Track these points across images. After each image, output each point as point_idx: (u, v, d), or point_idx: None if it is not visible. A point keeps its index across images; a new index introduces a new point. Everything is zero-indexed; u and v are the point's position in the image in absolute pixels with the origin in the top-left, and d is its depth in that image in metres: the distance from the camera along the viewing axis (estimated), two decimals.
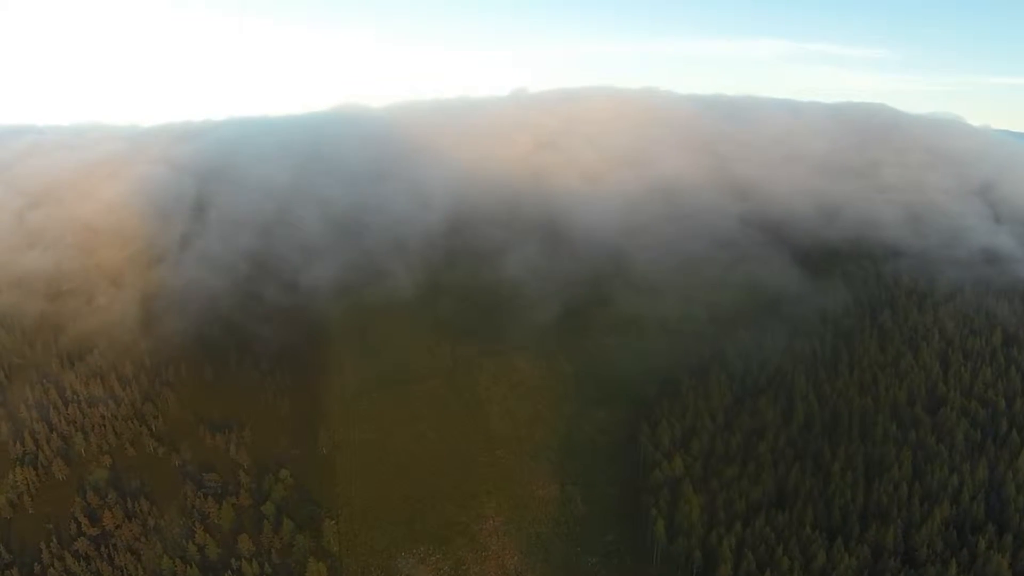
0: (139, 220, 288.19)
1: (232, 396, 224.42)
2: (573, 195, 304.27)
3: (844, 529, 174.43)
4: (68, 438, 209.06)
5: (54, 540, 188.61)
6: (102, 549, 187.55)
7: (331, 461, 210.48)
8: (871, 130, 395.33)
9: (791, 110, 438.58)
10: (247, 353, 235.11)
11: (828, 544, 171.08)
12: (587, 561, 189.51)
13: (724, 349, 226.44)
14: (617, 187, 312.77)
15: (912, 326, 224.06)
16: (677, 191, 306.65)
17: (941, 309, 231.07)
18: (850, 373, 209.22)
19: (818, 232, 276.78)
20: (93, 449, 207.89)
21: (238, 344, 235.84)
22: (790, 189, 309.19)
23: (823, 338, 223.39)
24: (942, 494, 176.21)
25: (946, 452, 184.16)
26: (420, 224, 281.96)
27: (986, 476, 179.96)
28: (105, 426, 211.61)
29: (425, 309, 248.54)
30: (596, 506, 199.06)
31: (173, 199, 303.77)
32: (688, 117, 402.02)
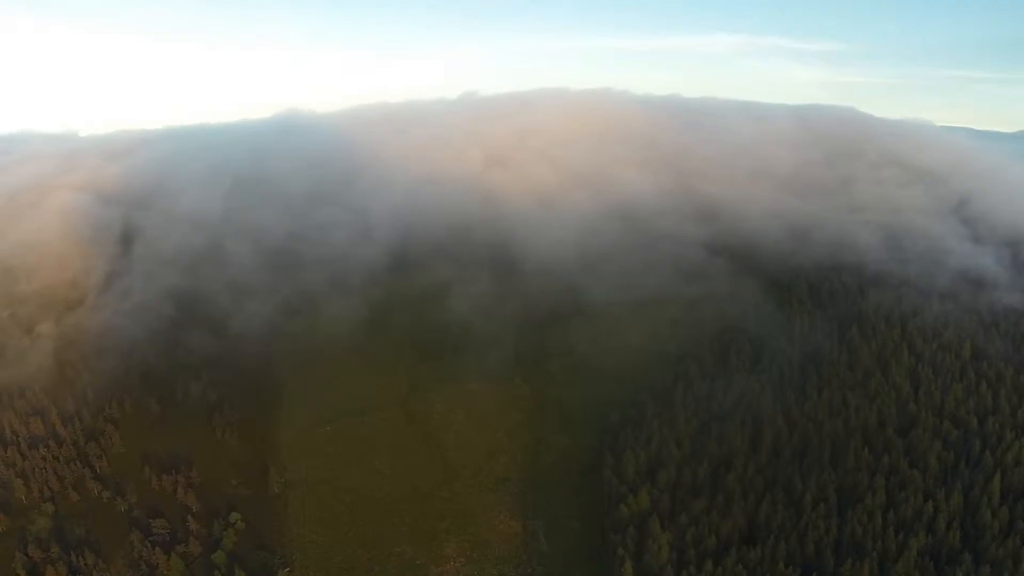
0: (59, 258, 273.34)
1: (179, 432, 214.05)
2: (526, 220, 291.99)
3: (818, 564, 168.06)
4: (8, 484, 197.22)
5: None
6: None
7: (283, 502, 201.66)
8: (840, 140, 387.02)
9: (754, 116, 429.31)
10: (193, 385, 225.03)
11: None
12: None
13: (688, 369, 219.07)
14: (573, 210, 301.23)
15: (881, 342, 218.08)
16: (637, 215, 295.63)
17: (910, 323, 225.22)
18: (819, 394, 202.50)
19: (789, 258, 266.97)
20: (35, 496, 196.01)
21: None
22: (758, 210, 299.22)
23: (789, 357, 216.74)
24: (917, 523, 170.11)
25: (920, 477, 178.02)
26: (361, 259, 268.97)
27: (961, 502, 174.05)
28: (47, 469, 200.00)
29: (372, 340, 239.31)
30: (560, 543, 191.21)
31: (98, 232, 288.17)
32: (646, 126, 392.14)
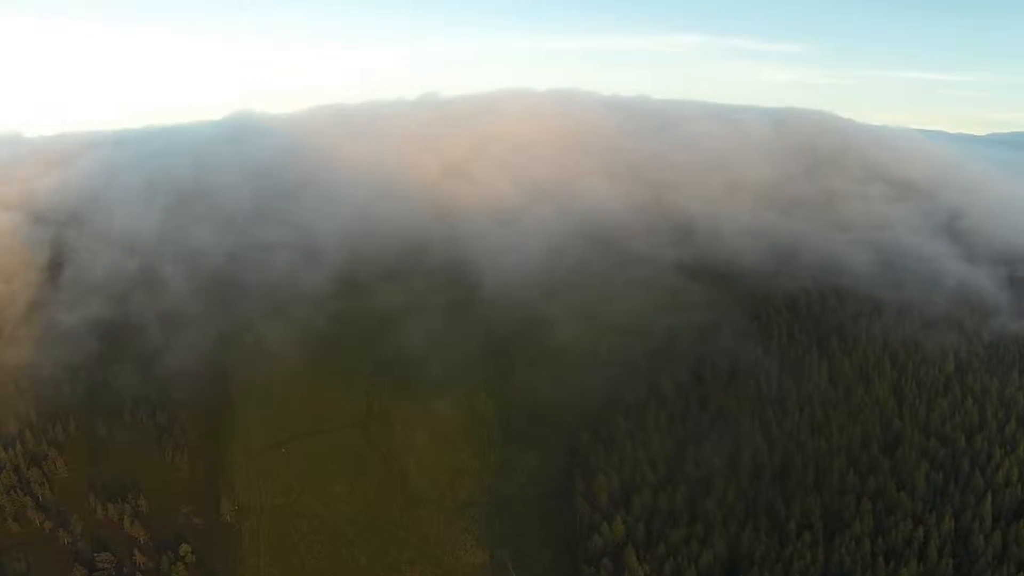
0: None
1: (126, 456, 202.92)
2: (484, 239, 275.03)
3: None
4: None
5: None
6: None
7: (236, 531, 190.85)
8: (821, 149, 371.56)
9: (727, 120, 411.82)
10: (142, 404, 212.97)
11: None
12: None
13: (661, 384, 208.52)
14: (536, 228, 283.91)
15: (862, 355, 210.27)
16: (606, 234, 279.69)
17: (891, 335, 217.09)
18: (800, 412, 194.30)
19: (770, 280, 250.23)
20: None
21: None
22: (737, 228, 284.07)
23: (767, 371, 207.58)
24: (908, 550, 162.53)
25: (908, 500, 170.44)
26: (305, 285, 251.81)
27: (952, 526, 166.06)
28: None
29: (328, 357, 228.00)
30: (530, 574, 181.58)
31: (25, 255, 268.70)
32: (614, 132, 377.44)
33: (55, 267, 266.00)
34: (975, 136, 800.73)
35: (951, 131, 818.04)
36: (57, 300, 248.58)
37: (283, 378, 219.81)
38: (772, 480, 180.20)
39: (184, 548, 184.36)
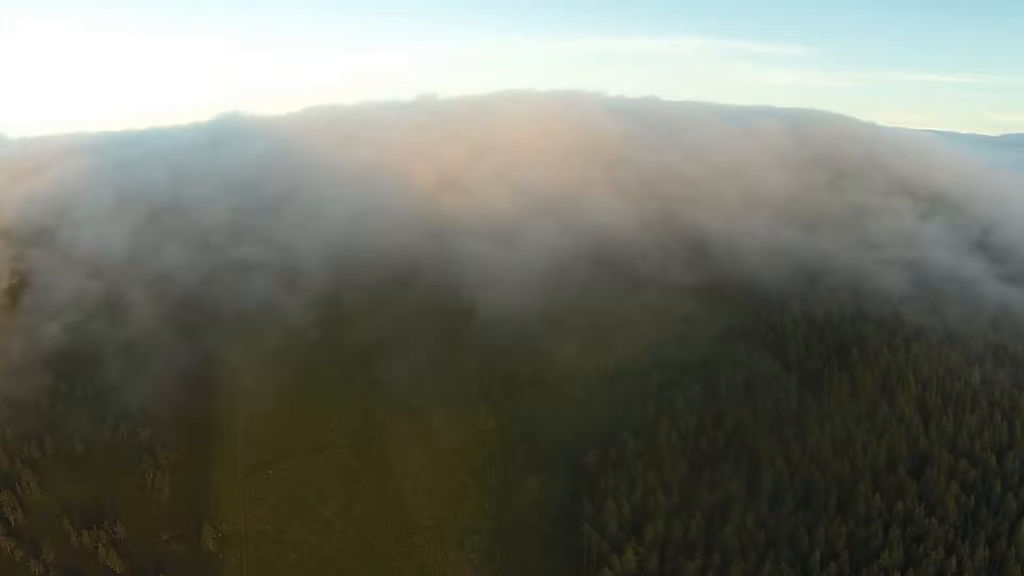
0: None
1: (104, 477, 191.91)
2: (481, 261, 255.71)
3: None
4: None
5: None
6: None
7: (218, 561, 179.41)
8: (841, 158, 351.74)
9: (741, 124, 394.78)
10: (124, 419, 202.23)
11: None
12: None
13: (672, 401, 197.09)
14: (537, 246, 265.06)
15: (884, 368, 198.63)
16: (613, 254, 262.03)
17: (913, 345, 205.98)
18: (821, 429, 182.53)
19: (796, 305, 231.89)
20: None
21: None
22: (757, 248, 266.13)
23: (786, 386, 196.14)
24: None
25: (939, 527, 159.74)
26: (283, 313, 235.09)
27: (986, 555, 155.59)
28: None
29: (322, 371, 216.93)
30: None
31: None
32: (621, 139, 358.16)
33: (15, 291, 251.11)
34: (989, 137, 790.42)
35: (962, 132, 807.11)
36: (13, 328, 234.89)
37: (271, 397, 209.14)
38: (794, 506, 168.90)
39: None
